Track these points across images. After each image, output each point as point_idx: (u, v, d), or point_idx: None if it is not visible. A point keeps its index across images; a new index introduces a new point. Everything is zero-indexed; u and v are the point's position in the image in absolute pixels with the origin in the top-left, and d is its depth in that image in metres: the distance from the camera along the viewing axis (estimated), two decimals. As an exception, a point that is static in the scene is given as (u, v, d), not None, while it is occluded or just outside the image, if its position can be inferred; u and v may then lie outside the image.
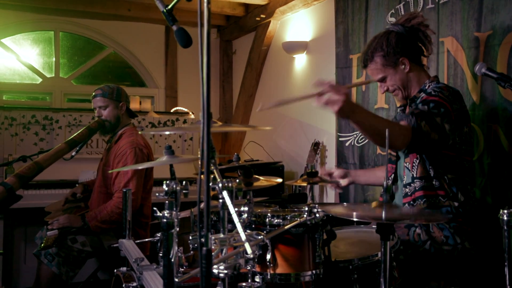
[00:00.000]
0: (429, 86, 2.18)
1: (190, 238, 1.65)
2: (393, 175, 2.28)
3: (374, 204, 1.57)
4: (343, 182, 2.44)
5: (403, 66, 2.19)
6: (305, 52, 4.38)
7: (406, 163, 2.18)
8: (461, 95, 2.16)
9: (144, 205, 3.12)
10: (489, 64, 2.43)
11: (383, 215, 1.42)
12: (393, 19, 3.16)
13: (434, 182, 2.11)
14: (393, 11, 3.17)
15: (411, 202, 2.15)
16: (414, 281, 1.98)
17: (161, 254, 1.72)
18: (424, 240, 2.07)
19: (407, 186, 2.17)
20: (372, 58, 2.20)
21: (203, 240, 0.99)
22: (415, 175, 2.14)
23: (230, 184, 1.27)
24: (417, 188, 2.13)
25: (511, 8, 2.41)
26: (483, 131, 2.52)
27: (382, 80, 2.23)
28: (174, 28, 1.72)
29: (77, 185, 3.49)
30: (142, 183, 3.06)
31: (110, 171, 2.91)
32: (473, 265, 2.08)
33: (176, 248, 1.22)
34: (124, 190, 2.13)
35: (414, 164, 2.14)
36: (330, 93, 1.71)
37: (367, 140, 3.45)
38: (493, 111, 2.48)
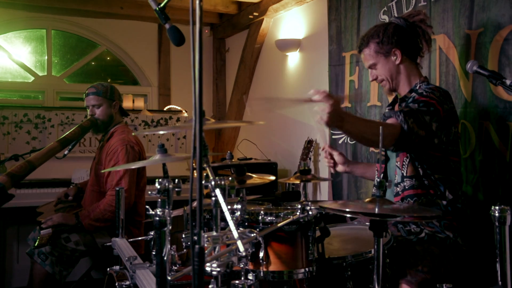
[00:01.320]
0: (419, 86, 2.20)
1: (183, 236, 1.66)
2: (381, 175, 2.29)
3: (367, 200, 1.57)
4: (339, 168, 2.46)
5: (394, 57, 2.22)
6: (298, 49, 4.38)
7: (397, 162, 2.20)
8: (450, 96, 2.19)
9: (138, 204, 3.11)
10: (480, 61, 2.44)
11: (376, 209, 1.43)
12: (385, 17, 3.17)
13: (424, 181, 2.12)
14: (385, 8, 3.18)
15: (400, 201, 2.16)
16: (405, 263, 1.99)
17: (154, 253, 1.72)
18: (416, 231, 2.09)
19: (398, 185, 2.18)
20: (368, 43, 2.25)
21: (196, 238, 0.99)
22: (405, 174, 2.15)
23: (223, 182, 1.27)
24: (406, 187, 2.15)
25: (502, 6, 2.42)
26: (475, 128, 2.54)
27: (373, 66, 2.27)
28: (167, 26, 1.72)
29: (71, 185, 3.47)
30: (135, 180, 3.05)
31: (102, 171, 2.90)
32: (465, 261, 2.10)
33: (169, 246, 1.22)
34: (117, 188, 2.12)
35: (404, 163, 2.16)
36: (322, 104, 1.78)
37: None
38: (485, 108, 2.49)
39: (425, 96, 2.07)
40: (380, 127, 1.52)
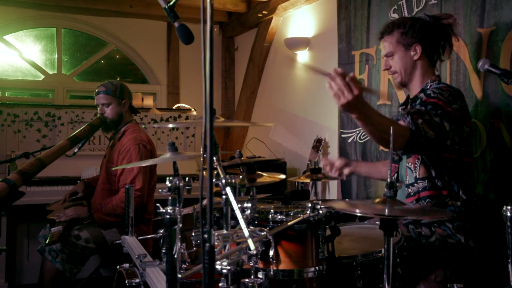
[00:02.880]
0: (430, 86, 2.16)
1: (193, 234, 1.66)
2: (396, 174, 2.28)
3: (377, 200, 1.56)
4: (346, 171, 2.43)
5: (413, 53, 2.18)
6: (307, 48, 4.37)
7: (408, 163, 2.18)
8: (463, 94, 2.14)
9: (148, 202, 3.12)
10: (492, 60, 2.42)
11: (386, 211, 1.42)
12: (395, 15, 3.15)
13: (437, 182, 2.10)
14: (395, 7, 3.16)
15: (414, 202, 2.14)
16: (416, 272, 1.98)
17: (164, 251, 1.72)
18: (427, 235, 2.07)
19: (410, 187, 2.16)
20: (391, 31, 2.21)
21: (206, 236, 0.99)
22: (418, 176, 2.13)
23: (233, 180, 1.27)
24: (420, 189, 2.12)
25: (514, 4, 2.40)
26: (486, 127, 2.52)
27: (390, 55, 2.23)
28: (176, 24, 1.71)
29: (78, 181, 3.49)
30: (148, 179, 3.06)
31: (114, 168, 2.91)
32: (477, 263, 2.08)
33: (179, 244, 1.22)
34: (127, 186, 2.13)
35: (416, 165, 2.14)
36: (343, 88, 1.67)
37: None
38: (496, 107, 2.47)
39: (432, 97, 2.03)
40: (391, 127, 1.48)
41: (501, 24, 2.45)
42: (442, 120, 1.95)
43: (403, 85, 2.26)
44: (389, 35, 2.22)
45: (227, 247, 1.34)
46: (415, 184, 2.13)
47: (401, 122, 1.93)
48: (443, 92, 2.05)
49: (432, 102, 2.00)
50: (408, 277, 1.93)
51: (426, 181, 2.11)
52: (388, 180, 1.48)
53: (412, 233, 2.09)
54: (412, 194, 2.15)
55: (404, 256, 1.96)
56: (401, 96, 3.10)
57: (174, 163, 1.54)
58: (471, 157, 2.14)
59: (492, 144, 2.49)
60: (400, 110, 2.36)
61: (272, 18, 4.75)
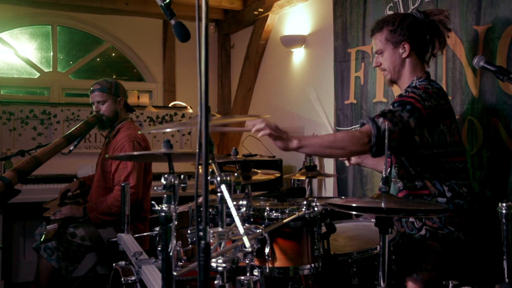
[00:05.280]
0: (415, 83, 2.17)
1: (189, 232, 1.66)
2: (389, 169, 2.28)
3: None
4: (353, 160, 2.46)
5: (402, 50, 2.18)
6: (303, 46, 4.37)
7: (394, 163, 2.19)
8: (444, 92, 2.15)
9: (144, 200, 3.12)
10: (488, 57, 2.42)
11: (383, 204, 1.42)
12: (391, 13, 3.15)
13: (416, 183, 2.11)
14: (391, 4, 3.16)
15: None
16: (409, 262, 1.98)
17: (159, 248, 1.72)
18: (418, 227, 2.08)
19: (399, 181, 2.18)
20: (381, 28, 2.21)
21: (201, 233, 0.99)
22: (397, 176, 2.15)
23: (228, 178, 1.27)
24: (401, 188, 2.15)
25: (510, 1, 2.40)
26: (482, 124, 2.52)
27: (379, 53, 2.24)
28: (172, 22, 1.71)
29: (74, 180, 3.48)
30: (142, 176, 3.06)
31: (106, 156, 2.89)
32: (467, 257, 2.08)
33: (175, 242, 1.22)
34: (123, 184, 2.13)
35: (396, 165, 2.16)
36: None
37: (359, 125, 3.45)
38: (493, 104, 2.47)
39: (403, 96, 2.06)
40: (341, 142, 1.75)
41: (498, 21, 2.46)
42: (409, 116, 1.97)
43: (393, 82, 2.28)
44: (378, 32, 2.23)
45: (222, 245, 1.34)
46: (398, 184, 2.15)
47: (365, 127, 1.97)
48: (417, 90, 2.06)
49: (399, 100, 2.03)
50: (402, 268, 1.94)
51: (405, 181, 2.14)
52: (383, 174, 1.49)
53: (405, 227, 2.10)
54: (396, 193, 2.17)
55: (398, 250, 1.96)
56: (397, 92, 3.10)
57: (170, 160, 1.53)
58: (458, 156, 2.12)
59: (488, 141, 2.49)
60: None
61: (268, 15, 4.75)
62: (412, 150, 2.07)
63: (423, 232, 2.07)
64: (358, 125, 3.49)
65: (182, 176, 1.34)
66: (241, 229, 1.27)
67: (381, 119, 1.92)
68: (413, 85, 2.16)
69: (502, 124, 2.42)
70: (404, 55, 2.19)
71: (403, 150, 2.08)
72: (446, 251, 2.02)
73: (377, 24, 2.24)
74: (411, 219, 2.10)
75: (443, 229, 2.06)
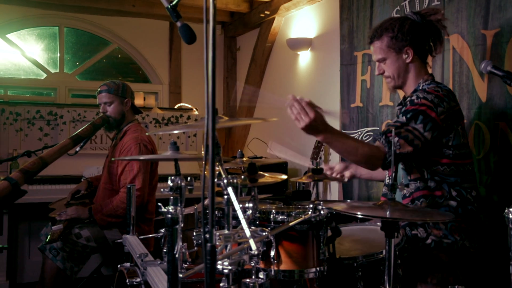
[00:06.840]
0: (422, 86, 2.14)
1: (194, 234, 1.66)
2: (393, 174, 2.27)
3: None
4: (347, 174, 2.43)
5: (405, 56, 2.14)
6: (309, 49, 4.36)
7: (402, 165, 2.17)
8: (453, 93, 2.13)
9: (149, 201, 3.12)
10: (496, 62, 2.41)
11: (388, 213, 1.42)
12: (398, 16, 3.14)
13: (429, 184, 2.09)
14: (398, 8, 3.16)
15: (410, 203, 2.13)
16: (415, 275, 1.97)
17: (165, 250, 1.72)
18: (423, 237, 2.06)
19: (405, 188, 2.16)
20: (380, 36, 2.16)
21: (207, 236, 0.98)
22: (410, 178, 2.13)
23: (235, 180, 1.27)
24: (413, 190, 2.12)
25: (519, 6, 2.39)
26: (490, 129, 2.51)
27: (382, 61, 2.19)
28: (178, 24, 1.71)
29: (82, 180, 3.50)
30: (148, 179, 3.06)
31: (113, 159, 2.89)
32: (473, 264, 2.07)
33: (181, 244, 1.22)
34: (128, 185, 2.13)
35: (408, 167, 2.14)
36: (300, 112, 1.80)
37: (371, 138, 3.44)
38: (501, 109, 2.46)
39: (415, 104, 2.02)
40: (357, 149, 1.74)
41: (506, 25, 2.44)
42: (425, 128, 1.96)
43: (397, 88, 2.25)
44: (378, 40, 2.17)
45: (228, 247, 1.34)
46: (409, 185, 2.13)
47: (377, 143, 1.96)
48: (428, 95, 2.03)
49: (413, 109, 2.00)
50: (406, 280, 1.93)
51: (418, 181, 2.11)
52: (388, 181, 1.48)
53: (409, 234, 2.09)
54: (407, 195, 2.15)
55: (404, 258, 1.95)
56: (403, 95, 3.09)
57: (176, 162, 1.53)
58: (468, 158, 2.12)
59: (496, 146, 2.48)
60: (397, 110, 2.36)
61: (274, 18, 4.75)
62: (429, 156, 2.06)
63: (429, 241, 2.05)
64: (364, 128, 3.49)
65: (188, 178, 1.33)
66: (247, 232, 1.26)
67: (396, 138, 1.91)
68: (421, 88, 2.13)
69: (511, 129, 2.40)
70: (408, 60, 2.15)
71: (419, 159, 2.07)
72: (451, 261, 2.00)
73: (375, 32, 2.18)
74: (413, 232, 2.08)
75: (448, 237, 2.03)
